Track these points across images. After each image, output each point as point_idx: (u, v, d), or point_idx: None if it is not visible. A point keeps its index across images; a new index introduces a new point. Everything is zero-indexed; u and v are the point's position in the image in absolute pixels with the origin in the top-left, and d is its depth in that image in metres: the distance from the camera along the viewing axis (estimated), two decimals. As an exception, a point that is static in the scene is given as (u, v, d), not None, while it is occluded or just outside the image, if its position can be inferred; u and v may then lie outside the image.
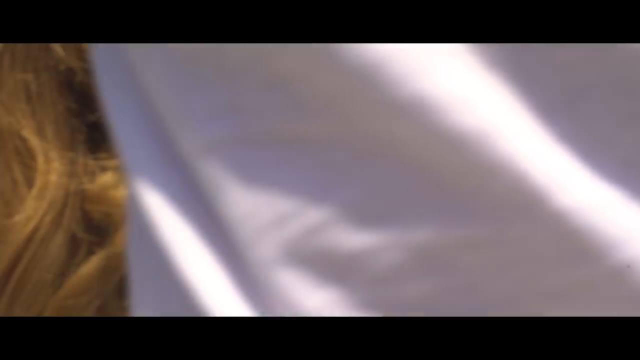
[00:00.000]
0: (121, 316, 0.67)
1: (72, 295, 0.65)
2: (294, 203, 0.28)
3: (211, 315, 0.30)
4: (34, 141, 0.66)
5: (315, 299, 0.28)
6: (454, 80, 0.26)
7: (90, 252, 0.66)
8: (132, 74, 0.32)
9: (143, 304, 0.33)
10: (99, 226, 0.66)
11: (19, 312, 0.66)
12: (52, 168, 0.65)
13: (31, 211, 0.65)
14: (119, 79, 0.33)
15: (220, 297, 0.30)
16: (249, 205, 0.29)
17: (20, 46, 0.66)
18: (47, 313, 0.66)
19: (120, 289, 0.67)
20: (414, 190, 0.27)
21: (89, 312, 0.66)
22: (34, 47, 0.66)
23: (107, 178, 0.65)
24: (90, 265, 0.65)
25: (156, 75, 0.31)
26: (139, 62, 0.32)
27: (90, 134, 0.66)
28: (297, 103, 0.28)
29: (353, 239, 0.28)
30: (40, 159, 0.65)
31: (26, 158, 0.66)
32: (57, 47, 0.65)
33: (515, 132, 0.26)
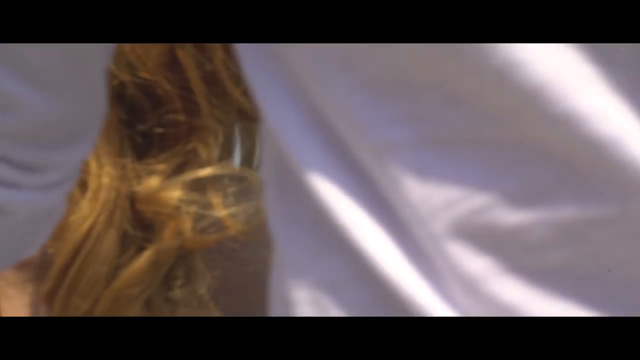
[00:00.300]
0: (168, 307, 0.74)
1: (125, 286, 0.72)
2: (463, 190, 0.37)
3: (385, 276, 0.38)
4: None
5: (476, 264, 0.37)
6: (593, 99, 0.35)
7: (139, 248, 0.73)
8: (299, 85, 0.40)
9: (305, 275, 0.41)
10: (147, 224, 0.73)
11: (76, 302, 0.72)
12: (104, 172, 0.72)
13: (86, 211, 0.71)
14: (282, 89, 0.40)
15: (392, 262, 0.38)
16: (423, 193, 0.37)
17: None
18: (102, 303, 0.72)
19: (166, 281, 0.74)
20: (560, 180, 0.36)
21: (139, 303, 0.72)
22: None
23: (154, 181, 0.72)
24: (142, 260, 0.72)
25: (335, 91, 0.39)
26: (312, 78, 0.39)
27: (139, 142, 0.73)
28: (472, 114, 0.36)
29: (510, 218, 0.37)
30: (92, 164, 0.72)
31: None
32: (110, 63, 0.71)
33: (637, 137, 0.35)
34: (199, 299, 0.75)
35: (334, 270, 0.40)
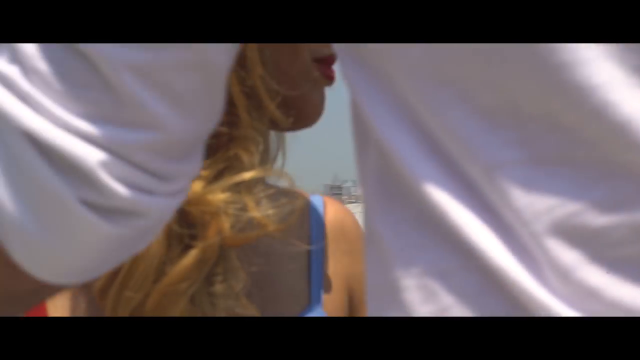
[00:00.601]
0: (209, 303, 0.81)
1: (175, 282, 0.78)
2: (560, 198, 0.45)
3: (493, 265, 0.45)
4: None
5: (568, 256, 0.45)
6: None
7: (185, 245, 0.79)
8: (407, 105, 0.47)
9: (413, 265, 0.47)
10: (192, 224, 0.80)
11: (127, 296, 0.78)
12: None
13: (137, 213, 0.77)
14: (390, 107, 0.48)
15: (498, 254, 0.45)
16: (527, 201, 0.45)
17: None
18: (152, 298, 0.78)
19: (208, 277, 0.81)
20: (639, 191, 0.45)
21: (186, 297, 0.79)
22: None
23: (197, 185, 0.79)
24: (189, 258, 0.78)
25: (450, 118, 0.45)
26: (425, 105, 0.47)
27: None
28: (571, 140, 0.44)
29: (597, 221, 0.45)
30: None
31: None
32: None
33: None
34: (236, 294, 0.82)
35: (443, 260, 0.47)
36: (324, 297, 0.95)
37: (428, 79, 0.47)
